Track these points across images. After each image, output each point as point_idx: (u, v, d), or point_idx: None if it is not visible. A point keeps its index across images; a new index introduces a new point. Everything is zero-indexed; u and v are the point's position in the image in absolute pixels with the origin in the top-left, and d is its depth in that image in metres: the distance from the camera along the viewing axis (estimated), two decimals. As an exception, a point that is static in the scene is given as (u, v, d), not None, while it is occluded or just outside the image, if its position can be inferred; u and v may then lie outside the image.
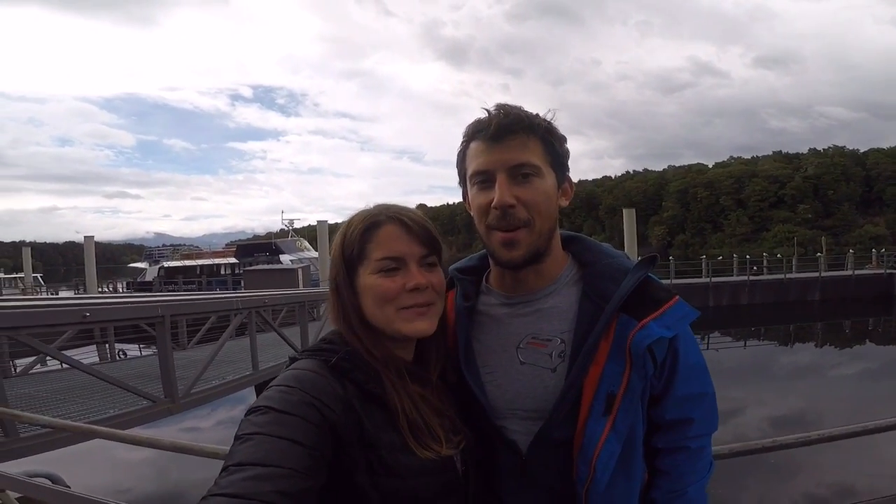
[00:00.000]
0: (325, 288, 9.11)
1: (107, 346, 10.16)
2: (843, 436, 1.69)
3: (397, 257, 0.82)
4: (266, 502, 0.59)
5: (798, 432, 1.68)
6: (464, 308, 0.97)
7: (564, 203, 0.93)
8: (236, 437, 0.68)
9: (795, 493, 5.60)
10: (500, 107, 0.88)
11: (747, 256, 22.88)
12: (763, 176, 64.26)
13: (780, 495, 5.64)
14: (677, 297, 0.87)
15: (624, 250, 1.05)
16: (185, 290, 22.90)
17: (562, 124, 0.91)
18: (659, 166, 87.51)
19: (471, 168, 0.90)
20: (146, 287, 26.49)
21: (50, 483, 2.44)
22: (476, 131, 0.88)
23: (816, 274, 20.71)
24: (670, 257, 23.91)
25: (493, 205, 0.85)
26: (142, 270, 30.87)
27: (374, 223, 0.83)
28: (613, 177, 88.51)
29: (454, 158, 0.95)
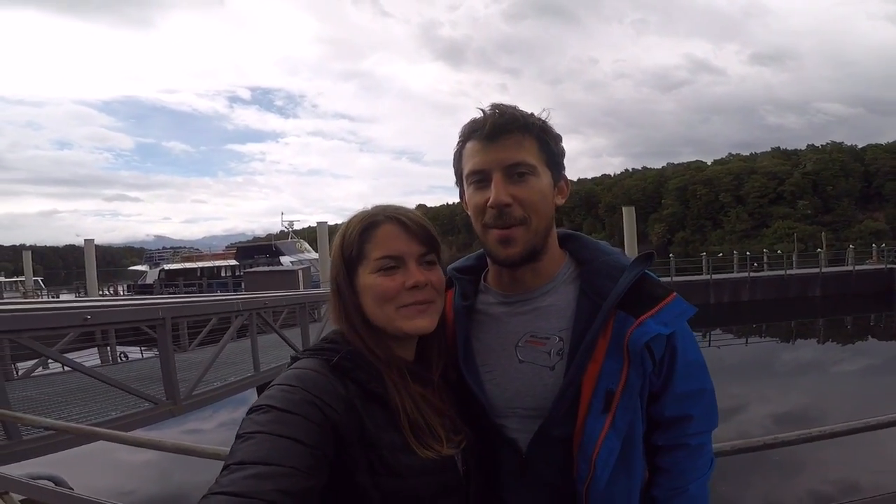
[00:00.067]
0: (325, 289, 9.12)
1: (108, 348, 10.18)
2: (846, 432, 1.68)
3: (396, 256, 0.83)
4: (267, 501, 0.59)
5: (801, 429, 1.68)
6: (462, 307, 0.97)
7: (560, 201, 0.94)
8: (238, 436, 0.68)
9: (800, 490, 5.58)
10: (495, 106, 0.88)
11: (747, 253, 22.82)
12: (762, 172, 64.12)
13: (785, 492, 5.62)
14: (674, 293, 0.87)
15: (624, 248, 1.06)
16: (185, 293, 22.99)
17: (560, 123, 0.92)
18: (658, 164, 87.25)
19: (467, 168, 0.90)
20: (147, 290, 26.59)
21: (53, 485, 2.45)
22: (472, 131, 0.89)
23: (817, 270, 20.69)
24: (671, 255, 23.81)
25: (489, 204, 0.86)
26: (142, 273, 31.01)
27: (372, 223, 0.84)
28: (612, 175, 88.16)
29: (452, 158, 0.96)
